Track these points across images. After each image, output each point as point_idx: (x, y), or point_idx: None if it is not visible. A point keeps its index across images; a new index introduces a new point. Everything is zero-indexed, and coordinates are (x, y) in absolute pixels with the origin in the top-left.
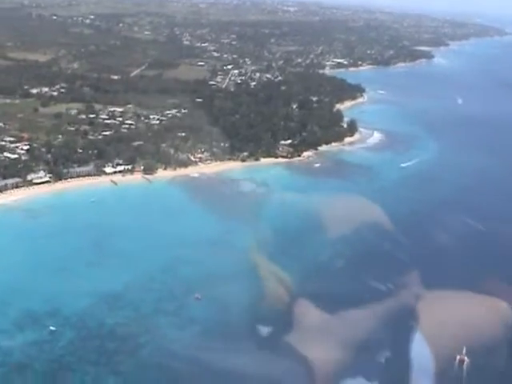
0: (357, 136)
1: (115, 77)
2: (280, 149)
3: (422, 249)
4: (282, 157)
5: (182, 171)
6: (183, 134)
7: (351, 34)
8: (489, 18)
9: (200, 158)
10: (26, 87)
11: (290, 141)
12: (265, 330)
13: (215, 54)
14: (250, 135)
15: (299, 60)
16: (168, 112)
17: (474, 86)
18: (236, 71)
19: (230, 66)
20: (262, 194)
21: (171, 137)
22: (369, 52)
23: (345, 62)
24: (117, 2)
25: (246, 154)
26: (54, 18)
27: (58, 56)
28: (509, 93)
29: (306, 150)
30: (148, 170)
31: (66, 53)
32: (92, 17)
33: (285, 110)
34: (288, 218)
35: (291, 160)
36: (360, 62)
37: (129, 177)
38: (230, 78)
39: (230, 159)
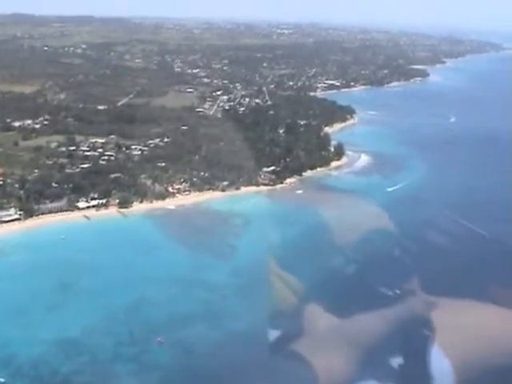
0: (344, 160)
1: (102, 107)
2: (262, 176)
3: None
4: (264, 185)
5: (158, 204)
6: (163, 165)
7: (346, 54)
8: (486, 32)
9: (178, 189)
10: (8, 120)
11: (273, 167)
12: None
13: (205, 80)
14: (231, 163)
15: (291, 83)
16: (150, 142)
17: (468, 103)
18: (225, 97)
19: (219, 92)
20: (239, 225)
21: (150, 168)
22: (363, 72)
23: (337, 84)
24: (110, 30)
25: (226, 183)
26: (46, 48)
27: (45, 87)
28: (503, 109)
29: (289, 177)
30: (123, 204)
31: (53, 84)
32: (84, 46)
33: (271, 135)
34: (264, 250)
35: (273, 188)
36: (353, 83)
37: (103, 211)
38: (218, 105)
39: (209, 189)
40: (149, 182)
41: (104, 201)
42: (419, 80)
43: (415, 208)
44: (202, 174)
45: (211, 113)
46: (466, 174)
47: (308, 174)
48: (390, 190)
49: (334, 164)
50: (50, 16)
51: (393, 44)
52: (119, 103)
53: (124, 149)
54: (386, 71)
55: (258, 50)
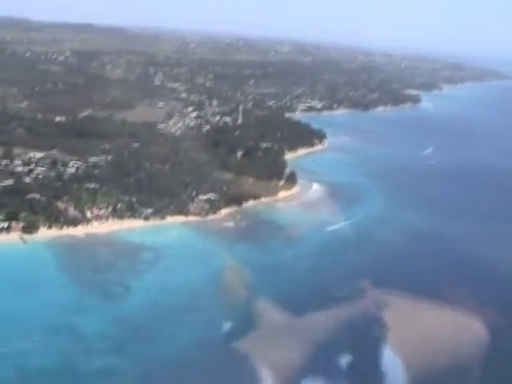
0: (295, 190)
1: (60, 118)
2: (194, 205)
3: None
4: (194, 215)
5: (68, 231)
6: (92, 186)
7: (341, 75)
8: (491, 60)
9: (97, 215)
10: None
11: (210, 195)
12: None
13: (183, 95)
14: (167, 188)
15: (270, 103)
16: (92, 159)
17: (453, 133)
18: (194, 114)
19: (190, 109)
20: (145, 261)
21: (77, 189)
22: (351, 94)
23: (318, 106)
24: (105, 39)
25: (150, 211)
26: (28, 54)
27: (7, 95)
28: (489, 142)
29: (227, 206)
30: (28, 229)
31: (18, 91)
32: (68, 54)
33: (224, 159)
34: (159, 295)
35: (204, 219)
36: (336, 105)
37: (4, 236)
38: (184, 122)
39: (131, 217)
40: (66, 206)
41: (6, 224)
42: (408, 106)
43: (339, 260)
44: (129, 198)
45: (173, 130)
46: (425, 214)
47: (249, 204)
48: (330, 229)
49: (281, 194)
50: (48, 22)
51: (393, 67)
52: (80, 115)
53: (60, 165)
54: (375, 95)
55: (248, 67)
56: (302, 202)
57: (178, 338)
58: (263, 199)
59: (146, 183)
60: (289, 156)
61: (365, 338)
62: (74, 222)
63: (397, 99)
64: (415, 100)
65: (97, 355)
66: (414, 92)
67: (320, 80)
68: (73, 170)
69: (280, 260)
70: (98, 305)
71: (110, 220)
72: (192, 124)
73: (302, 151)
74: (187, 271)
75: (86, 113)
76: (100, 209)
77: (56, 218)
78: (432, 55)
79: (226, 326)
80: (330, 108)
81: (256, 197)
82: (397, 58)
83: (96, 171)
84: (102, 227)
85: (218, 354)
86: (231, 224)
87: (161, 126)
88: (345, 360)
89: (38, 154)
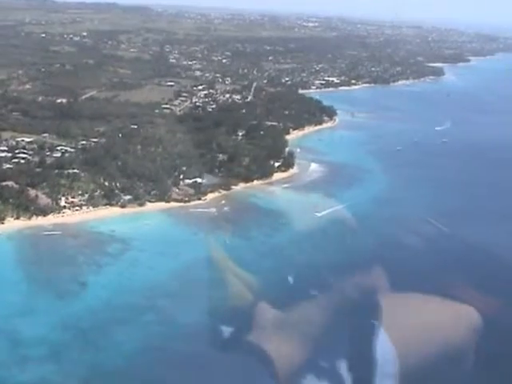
0: (292, 171)
1: (61, 100)
2: (177, 190)
3: None
4: (177, 201)
5: (37, 221)
6: (74, 171)
7: (364, 50)
8: None
9: (72, 202)
10: None
11: (197, 179)
12: None
13: (197, 73)
14: (152, 173)
15: (286, 79)
16: (83, 142)
17: (474, 108)
18: (204, 92)
19: (201, 87)
20: (110, 254)
21: (56, 175)
22: (373, 69)
23: (336, 81)
24: (126, 18)
25: (128, 197)
26: (43, 35)
27: (11, 77)
28: (507, 117)
29: (214, 191)
30: None
31: (23, 73)
32: (84, 34)
33: (222, 139)
34: (116, 291)
35: (186, 205)
36: (354, 81)
37: None
38: (191, 100)
39: (107, 204)
40: (37, 193)
41: None
42: (431, 79)
43: (323, 249)
44: (109, 184)
45: (178, 110)
46: (427, 198)
47: (239, 187)
48: (319, 214)
49: (276, 176)
50: (72, 2)
51: (420, 40)
52: (83, 96)
53: (46, 150)
54: (398, 68)
55: (270, 43)
56: (296, 184)
57: (128, 342)
58: (255, 182)
59: (131, 168)
60: (294, 135)
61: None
62: (44, 211)
63: (419, 72)
64: (438, 73)
65: (30, 365)
66: (438, 65)
67: (342, 55)
68: (58, 154)
69: (258, 251)
70: (46, 305)
71: (85, 208)
72: (199, 103)
73: (309, 129)
74: (154, 265)
75: (90, 94)
76: (74, 196)
77: (26, 208)
78: (463, 26)
79: (187, 328)
80: (348, 83)
81: (248, 180)
82: (426, 30)
83: (82, 155)
84: (74, 216)
85: (172, 360)
86: (214, 210)
87: (165, 106)
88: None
89: (27, 139)
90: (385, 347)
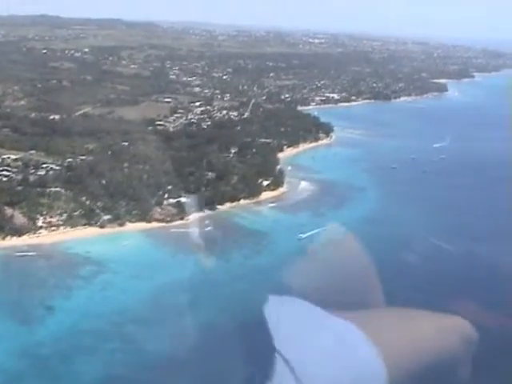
0: (281, 190)
1: (54, 116)
2: (159, 210)
3: None
4: (159, 221)
5: (11, 241)
6: (57, 190)
7: (368, 66)
8: None
9: (50, 222)
10: None
11: (182, 198)
12: None
13: (196, 89)
14: (134, 192)
15: (286, 95)
16: (69, 160)
17: (475, 124)
18: (200, 109)
19: (197, 103)
20: (83, 277)
21: (37, 193)
22: (374, 85)
23: (337, 97)
24: (130, 34)
25: (108, 217)
26: (44, 51)
27: (6, 92)
28: (510, 134)
29: (198, 211)
30: None
31: (19, 89)
32: (86, 50)
33: (212, 157)
34: (90, 314)
35: (168, 225)
36: (354, 97)
37: None
38: (187, 117)
39: (86, 224)
40: (13, 213)
41: None
42: (434, 95)
43: (302, 275)
44: (90, 203)
45: (171, 126)
46: (419, 217)
47: (225, 207)
48: (303, 236)
49: (265, 195)
50: (77, 18)
51: (425, 56)
52: (78, 113)
53: (31, 167)
54: (400, 85)
55: (272, 59)
56: (284, 203)
57: (88, 372)
58: (242, 201)
59: (115, 186)
60: (287, 152)
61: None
62: (19, 231)
63: (422, 88)
64: (441, 89)
65: None
66: (442, 81)
67: (345, 71)
68: (42, 172)
69: (235, 274)
70: (8, 331)
71: (62, 228)
72: (195, 119)
73: (304, 146)
74: (126, 288)
75: (85, 110)
76: (53, 216)
77: (0, 227)
78: (470, 42)
79: (153, 357)
80: (348, 100)
81: (234, 199)
82: (432, 46)
83: (67, 173)
84: (50, 237)
85: None
86: (196, 231)
87: (159, 122)
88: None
89: (14, 156)
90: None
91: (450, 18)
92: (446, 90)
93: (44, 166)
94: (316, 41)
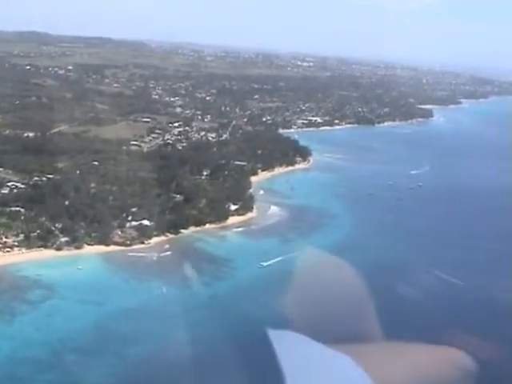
0: (250, 215)
1: (28, 134)
2: (120, 233)
3: None
4: (118, 244)
5: None
6: (17, 209)
7: (356, 90)
8: None
9: (5, 243)
10: None
11: (143, 222)
12: None
13: (178, 110)
14: (96, 213)
15: (268, 118)
16: (36, 178)
17: (458, 151)
18: (178, 129)
19: (176, 124)
20: (28, 302)
21: None
22: (359, 109)
23: (320, 120)
24: (117, 52)
25: (66, 239)
26: (28, 68)
27: None
28: (497, 160)
29: (161, 235)
30: None
31: None
32: (70, 67)
33: (184, 179)
34: (31, 342)
35: (128, 248)
36: (337, 121)
37: None
38: (163, 138)
39: (42, 246)
40: None
41: None
42: (418, 121)
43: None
44: (49, 225)
45: (146, 147)
46: (389, 246)
47: (189, 231)
48: (264, 264)
49: (232, 220)
50: (66, 36)
51: (414, 82)
52: (53, 130)
53: None
54: (386, 109)
55: (258, 81)
56: (251, 229)
57: None
58: (207, 226)
59: (77, 207)
60: (262, 176)
61: None
62: None
63: (407, 114)
64: (427, 115)
65: None
66: (429, 107)
67: (332, 95)
68: (6, 191)
69: (188, 303)
70: None
71: (17, 250)
72: (171, 140)
73: (279, 170)
74: (73, 315)
75: (60, 128)
76: (8, 237)
77: None
78: (460, 68)
79: None
80: (331, 123)
81: (199, 223)
82: (421, 72)
83: (31, 192)
84: (3, 258)
85: None
86: (154, 255)
87: (134, 142)
88: None
89: None
90: None
91: (441, 43)
92: (432, 116)
93: (9, 184)
94: (305, 64)
